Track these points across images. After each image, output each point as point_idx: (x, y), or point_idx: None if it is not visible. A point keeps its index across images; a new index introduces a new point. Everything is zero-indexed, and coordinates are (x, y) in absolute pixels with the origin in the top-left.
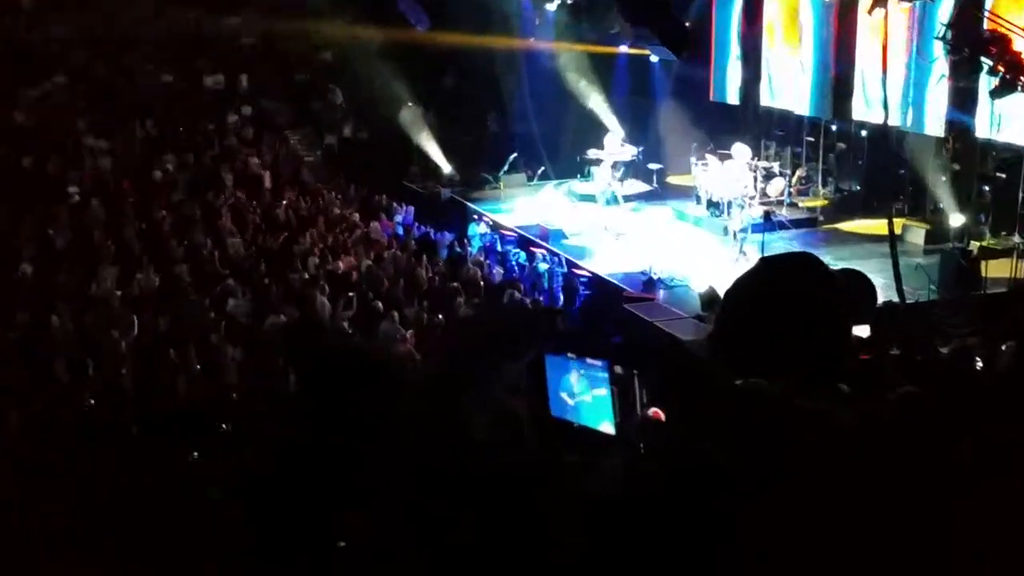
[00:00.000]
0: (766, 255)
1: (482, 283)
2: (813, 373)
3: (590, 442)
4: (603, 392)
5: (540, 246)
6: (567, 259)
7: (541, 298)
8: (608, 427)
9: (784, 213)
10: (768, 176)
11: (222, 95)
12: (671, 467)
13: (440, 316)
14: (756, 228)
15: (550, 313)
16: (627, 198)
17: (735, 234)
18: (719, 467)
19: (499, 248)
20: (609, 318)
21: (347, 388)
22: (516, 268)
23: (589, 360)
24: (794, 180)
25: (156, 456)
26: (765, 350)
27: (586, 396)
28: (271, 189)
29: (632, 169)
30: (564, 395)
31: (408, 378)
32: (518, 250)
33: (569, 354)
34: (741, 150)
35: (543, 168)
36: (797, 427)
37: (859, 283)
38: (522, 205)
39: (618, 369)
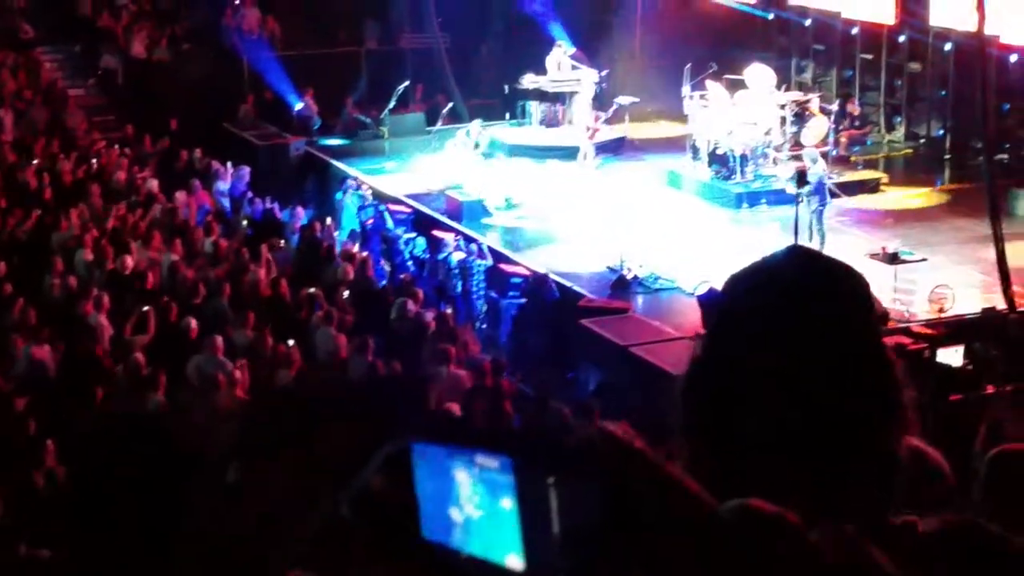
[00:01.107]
0: (779, 256)
1: (356, 288)
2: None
3: None
4: (508, 504)
5: (449, 229)
6: (492, 249)
7: (449, 310)
8: (515, 561)
9: (825, 171)
10: (802, 115)
11: None
12: None
13: (291, 342)
14: (774, 198)
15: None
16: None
17: (802, 198)
18: None
19: (385, 232)
20: (558, 342)
21: (121, 481)
22: (412, 263)
23: (482, 455)
24: (844, 121)
25: None
26: (772, 424)
27: (481, 511)
28: (12, 142)
29: (593, 104)
30: (452, 510)
31: (214, 458)
32: (414, 235)
33: (454, 442)
34: (760, 75)
35: (451, 105)
36: None
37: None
38: (420, 164)
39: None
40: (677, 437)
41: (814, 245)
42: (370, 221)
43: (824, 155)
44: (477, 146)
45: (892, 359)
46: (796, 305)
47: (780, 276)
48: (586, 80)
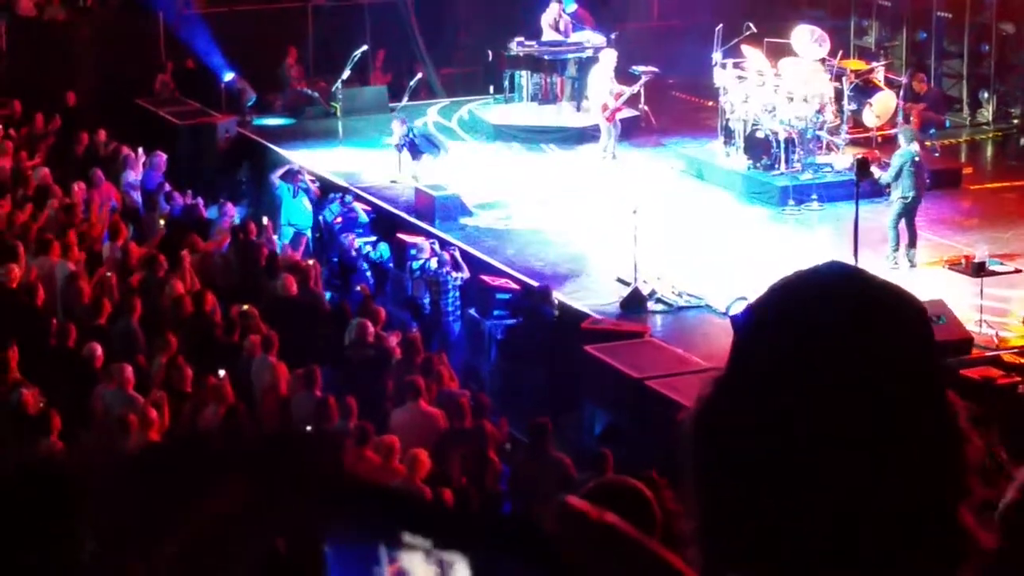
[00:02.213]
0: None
1: (300, 306)
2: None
3: None
4: None
5: (419, 232)
6: (471, 257)
7: (415, 330)
8: None
9: (917, 154)
10: (864, 88)
11: None
12: None
13: (221, 373)
14: (828, 193)
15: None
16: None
17: (885, 187)
18: None
19: (338, 235)
20: (556, 373)
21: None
22: (369, 274)
23: (424, 547)
24: (914, 95)
25: None
26: (789, 499)
27: None
28: None
29: (614, 76)
30: None
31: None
32: (373, 239)
33: (393, 534)
34: (810, 38)
35: (420, 75)
36: None
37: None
38: (379, 154)
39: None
40: (683, 488)
41: (898, 254)
42: (338, 220)
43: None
44: (403, 146)
45: (957, 415)
46: (826, 343)
47: (810, 302)
48: (597, 43)
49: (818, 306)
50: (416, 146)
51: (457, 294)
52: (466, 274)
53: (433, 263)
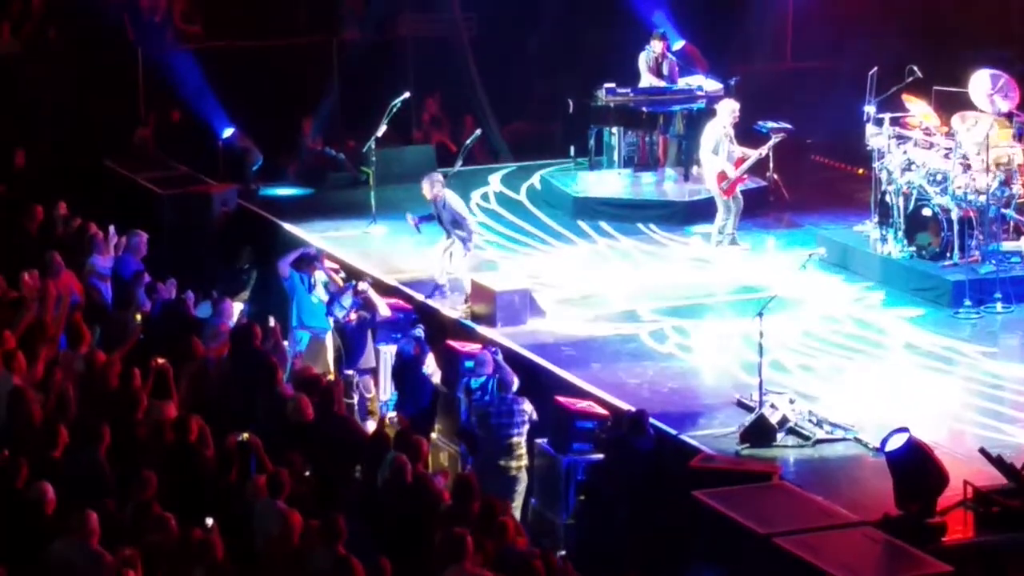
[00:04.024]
0: None
1: (319, 434)
2: None
3: None
4: None
5: (475, 337)
6: (544, 371)
7: (469, 468)
8: None
9: None
10: None
11: None
12: None
13: (209, 522)
14: (1019, 292)
15: None
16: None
17: None
18: None
19: (373, 339)
20: (656, 524)
21: None
22: (414, 392)
23: None
24: None
25: None
26: None
27: None
28: None
29: (732, 134)
30: None
31: None
32: (414, 340)
33: None
34: (989, 86)
35: (478, 133)
36: None
37: None
38: (425, 236)
39: None
40: None
41: None
42: (351, 318)
43: None
44: (427, 219)
45: None
46: None
47: None
48: (711, 91)
49: None
50: (441, 218)
51: (523, 419)
52: (514, 401)
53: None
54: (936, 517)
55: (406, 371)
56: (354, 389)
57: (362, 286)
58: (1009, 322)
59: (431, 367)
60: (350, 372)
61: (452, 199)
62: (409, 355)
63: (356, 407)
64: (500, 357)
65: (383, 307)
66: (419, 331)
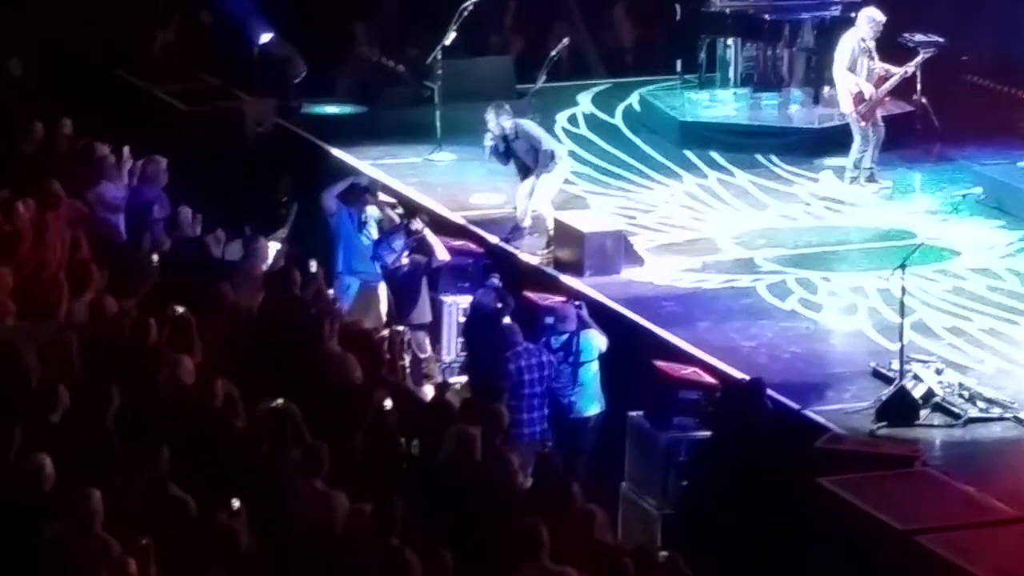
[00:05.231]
0: None
1: (368, 401)
2: None
3: None
4: None
5: (558, 288)
6: (642, 329)
7: (549, 445)
8: None
9: None
10: None
11: None
12: None
13: (235, 503)
14: None
15: None
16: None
17: None
18: None
19: (431, 288)
20: (773, 515)
21: None
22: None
23: None
24: None
25: None
26: None
27: None
28: None
29: (873, 47)
30: None
31: None
32: (494, 290)
33: None
34: None
35: (566, 42)
36: None
37: None
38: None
39: None
40: None
41: None
42: (404, 262)
43: None
44: (496, 151)
45: None
46: None
47: None
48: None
49: None
50: (515, 152)
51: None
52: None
53: (593, 336)
54: None
55: (482, 328)
56: (405, 348)
57: (416, 225)
58: None
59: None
60: (401, 328)
61: (529, 126)
62: (489, 308)
63: (407, 369)
64: (585, 312)
65: (441, 250)
66: (496, 280)
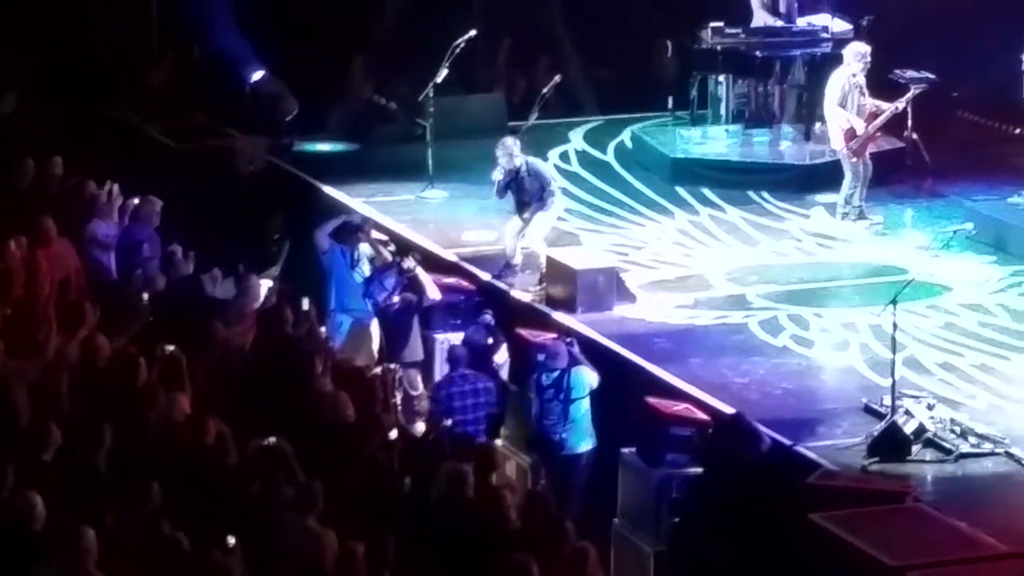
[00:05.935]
0: None
1: (360, 439)
2: None
3: None
4: None
5: (549, 325)
6: (635, 367)
7: (543, 482)
8: None
9: None
10: None
11: None
12: None
13: (231, 540)
14: None
15: None
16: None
17: None
18: None
19: (422, 326)
20: (763, 552)
21: None
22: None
23: None
24: None
25: None
26: None
27: None
28: None
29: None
30: None
31: None
32: (484, 327)
33: None
34: None
35: (557, 80)
36: None
37: None
38: (493, 201)
39: None
40: None
41: None
42: (393, 301)
43: None
44: (506, 186)
45: None
46: None
47: None
48: (839, 33)
49: None
50: (521, 188)
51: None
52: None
53: (583, 374)
54: None
55: (474, 365)
56: (397, 385)
57: (408, 263)
58: None
59: (502, 358)
60: (393, 365)
61: (539, 164)
62: (480, 345)
63: (399, 407)
64: (576, 349)
65: (432, 289)
66: (488, 317)
